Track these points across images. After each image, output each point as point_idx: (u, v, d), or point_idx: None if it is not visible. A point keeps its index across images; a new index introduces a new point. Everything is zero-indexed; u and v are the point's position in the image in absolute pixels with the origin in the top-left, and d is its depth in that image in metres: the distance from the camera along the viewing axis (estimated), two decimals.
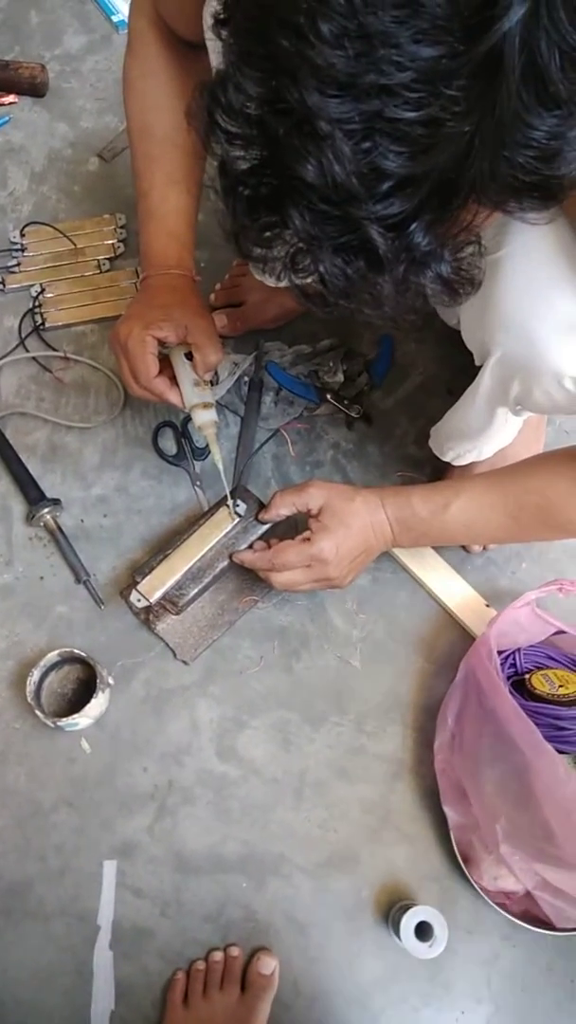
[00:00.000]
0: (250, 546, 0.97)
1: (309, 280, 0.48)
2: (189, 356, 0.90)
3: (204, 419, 0.91)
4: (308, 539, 0.89)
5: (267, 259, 0.48)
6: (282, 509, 0.92)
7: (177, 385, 0.90)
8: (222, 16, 0.44)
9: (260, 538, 0.99)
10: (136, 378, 0.88)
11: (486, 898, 0.90)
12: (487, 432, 0.92)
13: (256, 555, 0.93)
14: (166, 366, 0.91)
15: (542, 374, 0.72)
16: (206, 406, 0.91)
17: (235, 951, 0.92)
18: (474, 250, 0.48)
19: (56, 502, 1.07)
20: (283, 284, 0.52)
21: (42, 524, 1.07)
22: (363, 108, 0.39)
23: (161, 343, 0.88)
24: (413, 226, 0.43)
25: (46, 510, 1.06)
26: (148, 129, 0.88)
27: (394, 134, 0.40)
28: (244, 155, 0.44)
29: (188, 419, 1.14)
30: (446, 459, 1.02)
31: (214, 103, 0.43)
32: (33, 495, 1.07)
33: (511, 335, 0.73)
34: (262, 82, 0.41)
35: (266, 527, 0.99)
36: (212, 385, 1.03)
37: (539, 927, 0.90)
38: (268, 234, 0.46)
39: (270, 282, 1.06)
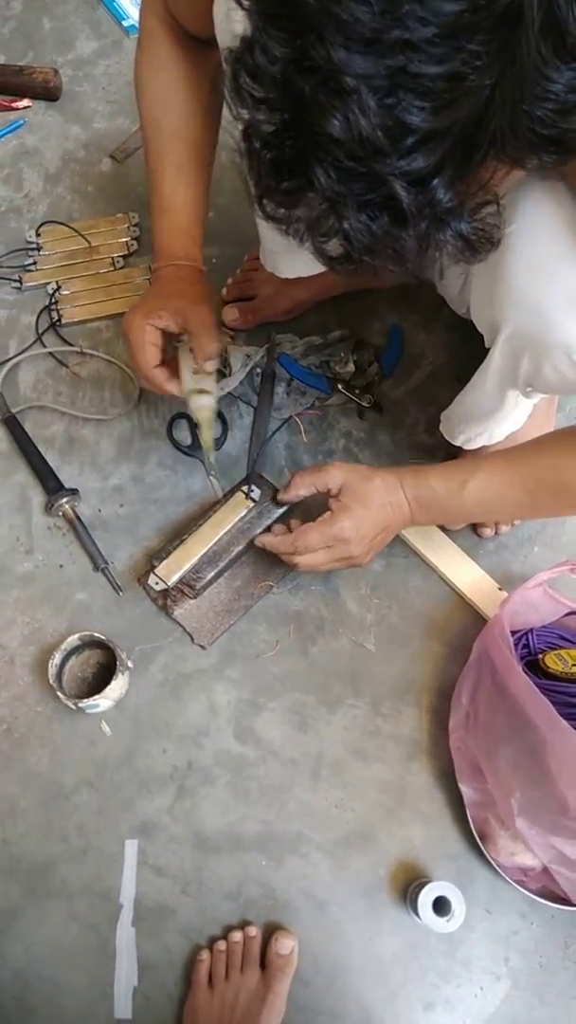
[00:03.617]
0: (268, 529, 0.98)
1: (331, 242, 0.49)
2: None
3: (198, 403, 0.91)
4: (328, 520, 0.90)
5: (290, 220, 0.49)
6: (301, 490, 0.93)
7: (179, 376, 0.92)
8: None
9: (276, 522, 1.01)
10: (136, 368, 0.90)
11: (503, 874, 0.91)
12: (498, 415, 0.93)
13: (278, 539, 0.93)
14: (176, 358, 0.92)
15: (552, 349, 0.73)
16: (202, 391, 0.91)
17: (253, 931, 0.93)
18: (493, 208, 0.49)
19: (74, 492, 1.09)
20: (305, 249, 0.52)
21: (61, 514, 1.09)
22: (388, 63, 0.40)
23: (172, 335, 0.90)
24: (435, 181, 0.44)
25: (64, 500, 1.08)
26: (158, 124, 0.90)
27: (417, 89, 0.41)
28: (269, 118, 0.45)
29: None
30: (457, 443, 1.03)
31: (240, 67, 0.44)
32: (52, 486, 1.09)
33: (520, 310, 0.74)
34: (287, 42, 0.42)
35: (282, 509, 1.01)
36: (223, 376, 1.04)
37: (557, 903, 0.90)
38: (292, 196, 0.47)
39: (282, 275, 1.09)
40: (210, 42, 0.79)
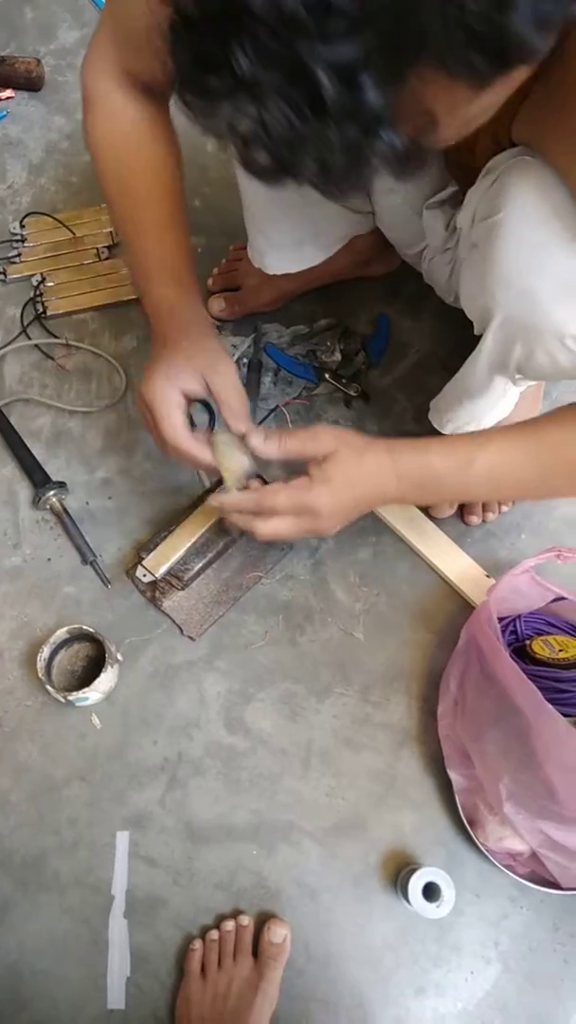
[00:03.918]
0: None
1: (260, 153, 0.46)
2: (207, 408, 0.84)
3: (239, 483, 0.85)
4: (303, 486, 0.81)
5: (211, 114, 0.46)
6: (286, 453, 0.84)
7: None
8: None
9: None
10: (166, 438, 0.84)
11: (493, 860, 0.92)
12: (486, 403, 0.93)
13: (241, 496, 0.84)
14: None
15: (544, 334, 0.73)
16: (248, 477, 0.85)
17: (245, 920, 0.93)
18: (429, 130, 0.47)
19: (61, 485, 1.09)
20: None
21: (48, 507, 1.09)
22: None
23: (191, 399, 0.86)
24: (363, 77, 0.42)
25: (52, 493, 1.08)
26: (126, 189, 0.87)
27: None
28: (198, 4, 0.43)
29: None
30: (445, 431, 1.03)
31: None
32: (39, 479, 1.09)
33: (512, 296, 0.73)
34: None
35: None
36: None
37: (545, 887, 0.91)
38: (211, 83, 0.44)
39: (269, 271, 1.08)
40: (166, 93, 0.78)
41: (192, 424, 0.88)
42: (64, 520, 1.08)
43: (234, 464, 0.84)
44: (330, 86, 0.41)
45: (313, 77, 0.41)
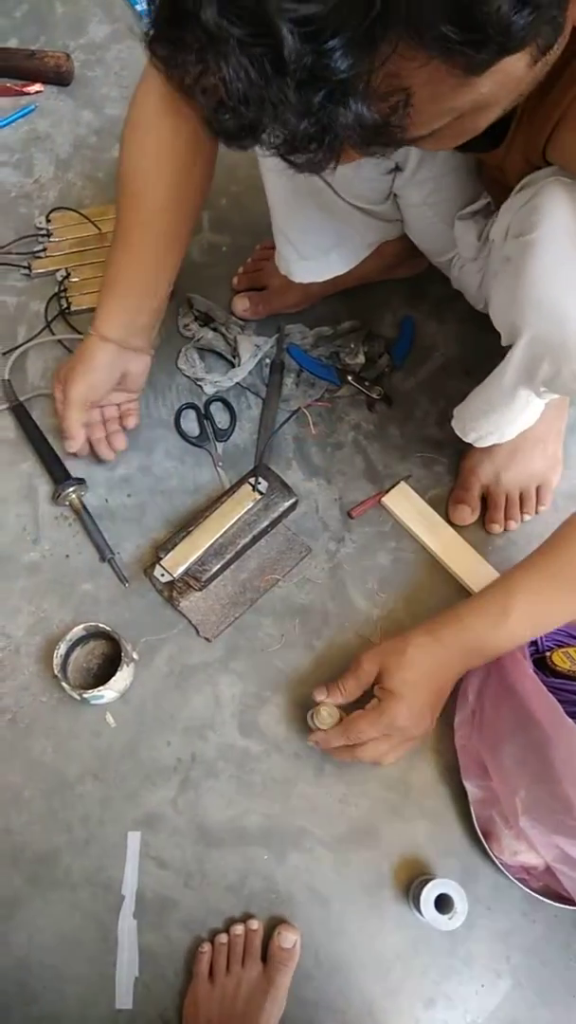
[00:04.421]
0: (273, 524, 0.95)
1: (228, 118, 0.46)
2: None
3: None
4: (378, 709, 0.86)
5: (179, 66, 0.46)
6: (346, 697, 0.91)
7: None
8: None
9: (283, 515, 1.00)
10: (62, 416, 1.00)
11: (506, 873, 0.91)
12: (510, 414, 0.92)
13: (330, 733, 0.89)
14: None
15: (573, 353, 0.73)
16: None
17: (255, 924, 0.93)
18: (402, 109, 0.46)
19: (81, 481, 1.09)
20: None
21: (67, 503, 1.09)
22: None
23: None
24: (332, 42, 0.40)
25: (71, 489, 1.07)
26: (137, 195, 0.89)
27: None
28: None
29: (210, 401, 1.15)
30: (468, 440, 1.02)
31: None
32: (59, 474, 1.09)
33: (542, 315, 0.73)
34: None
35: (290, 502, 1.00)
36: (232, 366, 1.05)
37: (559, 903, 0.90)
38: (182, 36, 0.44)
39: (296, 279, 1.08)
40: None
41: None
42: (83, 516, 1.08)
43: (328, 724, 0.91)
44: (293, 43, 0.40)
45: (277, 32, 0.40)
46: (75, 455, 1.07)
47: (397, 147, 0.50)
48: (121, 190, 0.90)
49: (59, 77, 1.38)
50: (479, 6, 0.40)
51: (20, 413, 1.14)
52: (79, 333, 1.20)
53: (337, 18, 0.40)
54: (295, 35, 0.40)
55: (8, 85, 1.39)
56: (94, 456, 1.09)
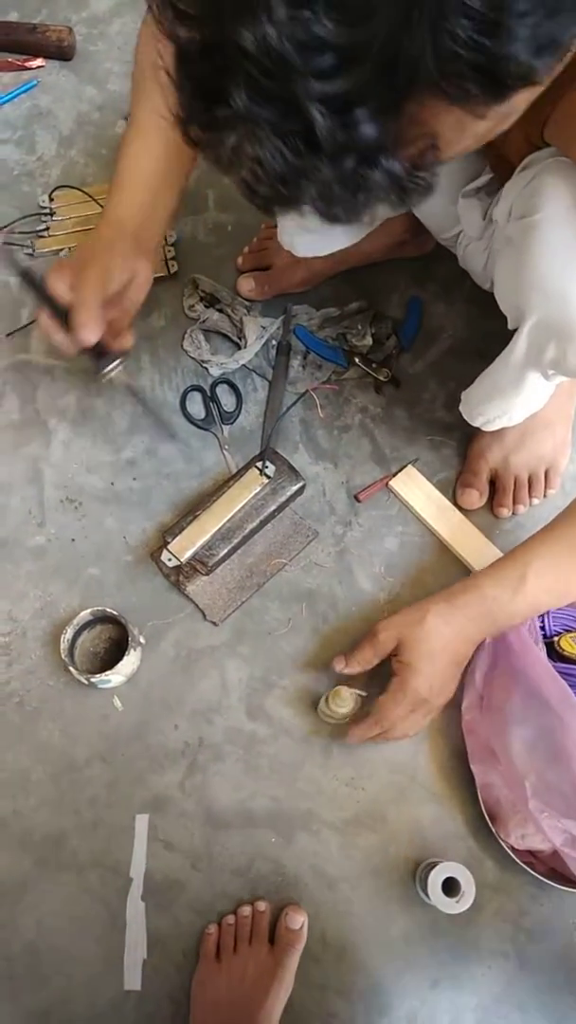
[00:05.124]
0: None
1: (252, 174, 0.47)
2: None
3: None
4: (398, 686, 0.88)
5: (217, 145, 0.47)
6: (365, 667, 0.92)
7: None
8: None
9: (290, 499, 0.99)
10: (77, 304, 0.84)
11: (513, 856, 0.91)
12: (518, 397, 0.91)
13: (363, 727, 0.90)
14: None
15: None
16: None
17: (262, 905, 0.93)
18: (430, 152, 0.47)
19: (125, 354, 0.91)
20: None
21: (109, 380, 0.91)
22: None
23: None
24: (358, 112, 0.41)
25: (117, 360, 0.90)
26: (153, 91, 0.88)
27: (330, 0, 0.39)
28: (193, 35, 0.43)
29: (216, 384, 1.14)
30: (476, 424, 1.01)
31: None
32: (100, 350, 0.89)
33: (548, 298, 0.73)
34: None
35: (297, 486, 0.99)
36: (237, 347, 1.01)
37: (566, 886, 0.90)
38: (213, 119, 0.45)
39: (299, 253, 1.06)
40: None
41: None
42: (135, 392, 1.03)
43: (348, 706, 0.93)
44: (323, 121, 0.41)
45: (306, 113, 0.41)
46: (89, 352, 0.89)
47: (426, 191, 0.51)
48: (135, 85, 0.89)
49: (61, 52, 1.36)
50: (503, 64, 0.41)
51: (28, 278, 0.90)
52: None
53: (364, 91, 0.41)
54: (325, 115, 0.41)
55: (9, 60, 1.36)
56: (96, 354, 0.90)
